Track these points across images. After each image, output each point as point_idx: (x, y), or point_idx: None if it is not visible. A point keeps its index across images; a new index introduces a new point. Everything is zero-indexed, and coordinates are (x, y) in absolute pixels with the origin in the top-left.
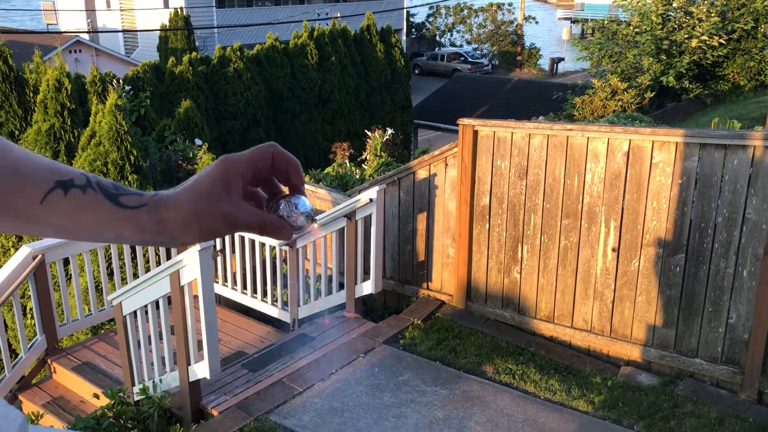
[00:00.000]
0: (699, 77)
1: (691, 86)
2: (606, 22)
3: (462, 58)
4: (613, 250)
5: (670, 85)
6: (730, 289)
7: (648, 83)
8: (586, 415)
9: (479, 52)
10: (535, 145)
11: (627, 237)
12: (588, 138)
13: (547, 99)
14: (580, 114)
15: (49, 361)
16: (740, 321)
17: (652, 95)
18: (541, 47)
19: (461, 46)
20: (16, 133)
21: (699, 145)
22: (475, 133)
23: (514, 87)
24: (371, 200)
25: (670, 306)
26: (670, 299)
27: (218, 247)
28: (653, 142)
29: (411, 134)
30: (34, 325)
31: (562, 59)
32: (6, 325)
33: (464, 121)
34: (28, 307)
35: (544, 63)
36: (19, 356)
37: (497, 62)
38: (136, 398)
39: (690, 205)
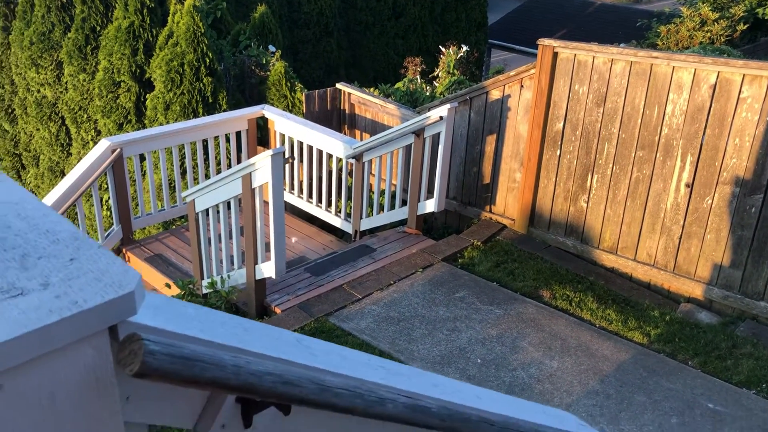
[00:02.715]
0: None
1: None
2: None
3: None
4: (687, 185)
5: (766, 17)
6: None
7: (742, 14)
8: (641, 347)
9: None
10: (616, 72)
11: (703, 173)
12: (673, 67)
13: (631, 26)
14: (663, 44)
15: (124, 250)
16: None
17: (744, 28)
18: None
19: None
20: (98, 29)
21: None
22: (555, 54)
23: (596, 11)
24: (441, 118)
25: (740, 247)
26: (741, 239)
27: (287, 153)
28: (744, 75)
29: (484, 54)
30: (111, 216)
31: None
32: (85, 215)
33: (544, 42)
34: (104, 199)
35: None
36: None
37: None
38: (204, 291)
39: None
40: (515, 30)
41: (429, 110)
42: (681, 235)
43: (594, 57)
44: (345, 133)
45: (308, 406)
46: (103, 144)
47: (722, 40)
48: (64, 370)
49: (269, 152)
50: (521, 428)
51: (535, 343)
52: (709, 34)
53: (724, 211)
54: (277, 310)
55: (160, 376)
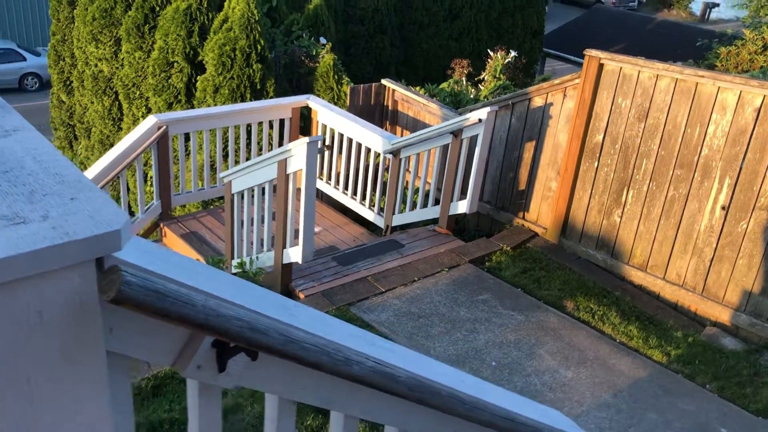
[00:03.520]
0: None
1: None
2: None
3: None
4: (723, 208)
5: None
6: None
7: None
8: (659, 365)
9: None
10: (661, 88)
11: (740, 197)
12: (719, 87)
13: (690, 45)
14: (723, 66)
15: (162, 225)
16: None
17: None
18: None
19: None
20: (157, 9)
21: None
22: (601, 66)
23: (656, 27)
24: (480, 120)
25: None
26: None
27: (327, 143)
28: None
29: (537, 61)
30: (152, 192)
31: (717, 5)
32: (128, 189)
33: (591, 53)
34: (148, 175)
35: (697, 7)
36: (136, 215)
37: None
38: (234, 271)
39: None
40: (572, 40)
41: (470, 112)
42: (712, 258)
43: (639, 71)
44: (386, 129)
45: (274, 354)
46: (150, 120)
47: None
48: (52, 292)
49: (305, 140)
50: (495, 412)
51: (552, 352)
52: None
53: (758, 237)
54: (301, 295)
55: (133, 305)
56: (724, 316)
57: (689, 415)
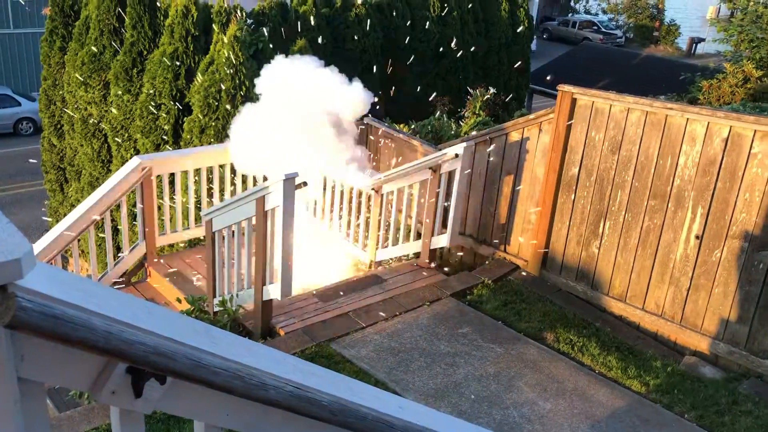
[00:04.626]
0: None
1: None
2: (752, 3)
3: (594, 27)
4: (697, 237)
5: None
6: None
7: None
8: (638, 395)
9: (614, 23)
10: (632, 121)
11: (712, 226)
12: (687, 119)
13: (674, 79)
14: (705, 99)
15: (146, 265)
16: None
17: None
18: (681, 24)
19: (596, 14)
20: (144, 53)
21: None
22: (574, 101)
23: (641, 62)
24: (457, 155)
25: (748, 302)
26: (749, 295)
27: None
28: (755, 131)
29: (524, 98)
30: (137, 231)
31: (703, 40)
32: (116, 230)
33: (564, 88)
34: (132, 215)
35: (683, 42)
36: (121, 254)
37: (632, 35)
38: (216, 309)
39: None
40: (558, 77)
41: (449, 147)
42: (689, 287)
43: (611, 105)
44: (370, 165)
45: (183, 378)
46: (134, 162)
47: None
48: None
49: (282, 176)
50: None
51: (531, 384)
52: (751, 91)
53: (732, 266)
54: (281, 332)
55: (30, 329)
56: (702, 344)
57: None
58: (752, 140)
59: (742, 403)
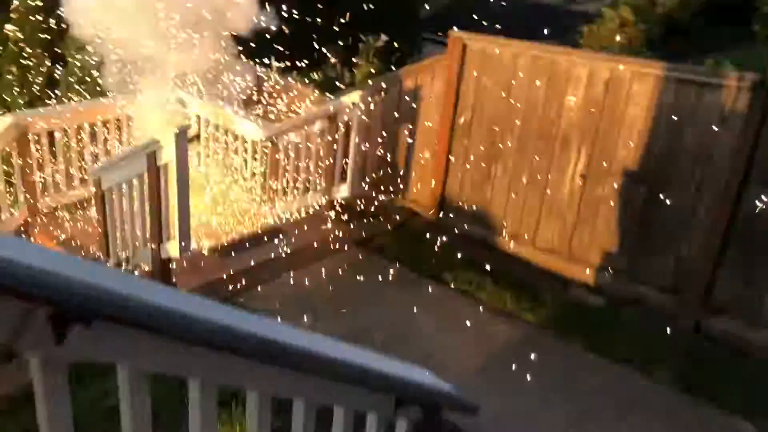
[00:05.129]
0: (719, 16)
1: (708, 25)
2: None
3: None
4: (582, 176)
5: (683, 22)
6: (686, 223)
7: (660, 18)
8: (530, 325)
9: None
10: (521, 65)
11: (596, 164)
12: (572, 63)
13: (560, 25)
14: (586, 43)
15: (28, 228)
16: (690, 254)
17: (663, 31)
18: None
19: None
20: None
21: (676, 80)
22: (464, 47)
23: (529, 9)
24: (354, 104)
25: (628, 234)
26: (629, 228)
27: (196, 132)
28: (632, 72)
29: (415, 46)
30: (16, 192)
31: None
32: None
33: (454, 34)
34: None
35: None
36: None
37: None
38: None
39: (660, 139)
40: (448, 23)
41: (344, 96)
42: (576, 223)
43: (501, 50)
44: (265, 117)
45: (108, 321)
46: (8, 119)
47: (640, 42)
48: None
49: (174, 130)
50: (351, 367)
51: (433, 322)
52: (627, 35)
53: (614, 201)
54: (183, 291)
55: None
56: (589, 276)
57: (559, 367)
58: (630, 82)
59: (623, 326)
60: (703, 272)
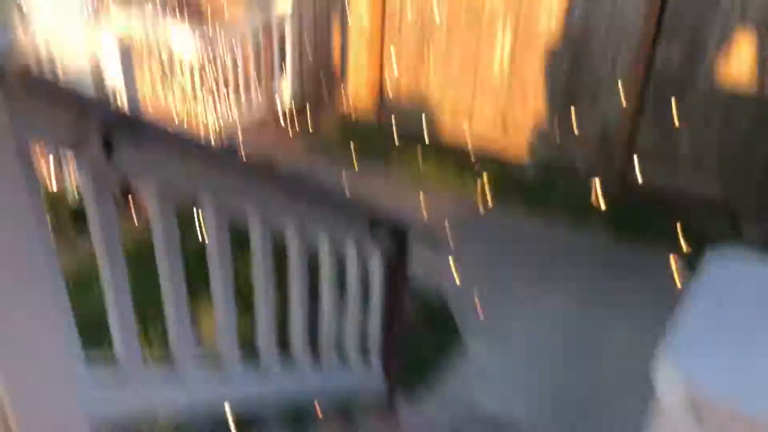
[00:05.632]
0: None
1: None
2: None
3: None
4: (509, 52)
5: None
6: (609, 87)
7: None
8: (473, 201)
9: None
10: None
11: (522, 39)
12: None
13: None
14: None
15: None
16: (613, 117)
17: None
18: None
19: None
20: None
21: None
22: None
23: None
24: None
25: (553, 108)
26: (556, 99)
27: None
28: None
29: None
30: None
31: None
32: None
33: None
34: None
35: None
36: None
37: None
38: None
39: (577, 8)
40: None
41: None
42: (510, 99)
43: None
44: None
45: (153, 141)
46: None
47: None
48: None
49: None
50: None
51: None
52: None
53: (541, 74)
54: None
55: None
56: (523, 151)
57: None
58: None
59: (557, 191)
60: (624, 130)
